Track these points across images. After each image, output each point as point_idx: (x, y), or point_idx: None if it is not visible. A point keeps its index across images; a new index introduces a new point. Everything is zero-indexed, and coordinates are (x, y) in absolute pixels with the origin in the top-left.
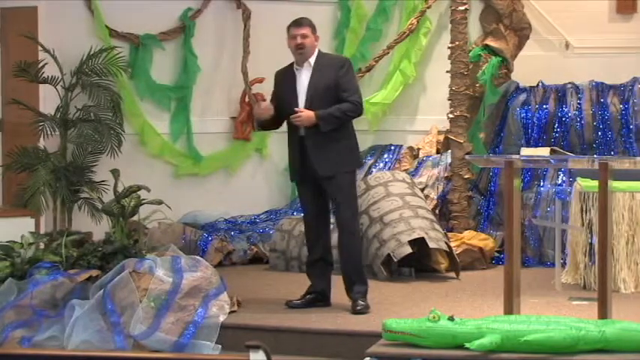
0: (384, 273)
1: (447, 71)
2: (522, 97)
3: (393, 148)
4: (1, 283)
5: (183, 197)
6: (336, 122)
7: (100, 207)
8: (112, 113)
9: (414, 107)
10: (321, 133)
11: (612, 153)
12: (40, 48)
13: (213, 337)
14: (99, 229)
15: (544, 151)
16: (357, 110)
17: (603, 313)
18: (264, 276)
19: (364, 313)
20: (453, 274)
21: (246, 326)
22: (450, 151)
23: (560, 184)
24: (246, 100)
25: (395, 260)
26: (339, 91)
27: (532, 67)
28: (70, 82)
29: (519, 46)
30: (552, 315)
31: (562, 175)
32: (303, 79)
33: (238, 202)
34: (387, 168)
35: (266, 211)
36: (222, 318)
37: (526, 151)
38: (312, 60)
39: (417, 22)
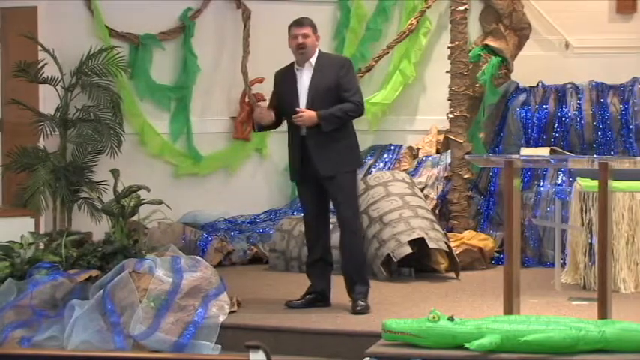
0: (383, 273)
1: (447, 71)
2: (522, 97)
3: (392, 148)
4: (1, 283)
5: (183, 197)
6: (337, 122)
7: (99, 207)
8: (111, 113)
9: (414, 107)
10: (322, 133)
11: (612, 153)
12: (39, 48)
13: (213, 337)
14: (99, 229)
15: (544, 151)
16: (359, 110)
17: (603, 313)
18: (263, 276)
19: (364, 314)
20: (452, 274)
21: (246, 326)
22: (449, 151)
23: (559, 184)
24: (246, 100)
25: (395, 260)
26: (340, 91)
27: (532, 67)
28: (70, 82)
29: (519, 46)
30: (552, 315)
31: (562, 175)
32: (304, 79)
33: (238, 202)
34: (386, 168)
35: (266, 211)
36: (221, 318)
37: (526, 151)
38: (313, 60)
39: (417, 22)
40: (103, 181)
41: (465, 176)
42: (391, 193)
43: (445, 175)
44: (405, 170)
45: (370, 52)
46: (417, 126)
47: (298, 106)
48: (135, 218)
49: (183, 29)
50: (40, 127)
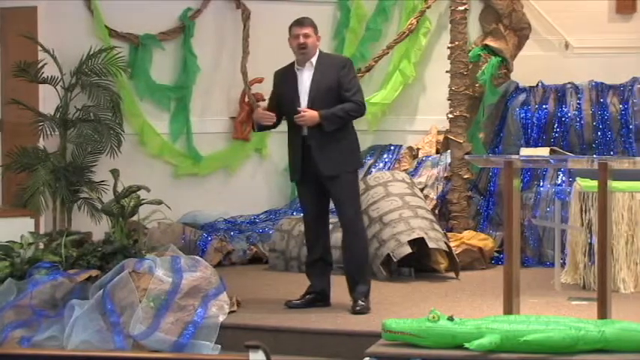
0: (383, 273)
1: (447, 71)
2: (522, 97)
3: (392, 148)
4: (1, 283)
5: (183, 197)
6: (339, 122)
7: (99, 207)
8: (111, 113)
9: (414, 107)
10: (324, 132)
11: (612, 153)
12: (39, 48)
13: (213, 337)
14: (98, 229)
15: (543, 151)
16: (360, 110)
17: (603, 313)
18: (263, 276)
19: (363, 314)
20: (452, 274)
21: (246, 326)
22: (449, 151)
23: (559, 184)
24: (246, 100)
25: (394, 260)
26: (341, 90)
27: (532, 67)
28: (70, 82)
29: (519, 46)
30: (552, 315)
31: (561, 175)
32: (305, 79)
33: (238, 202)
34: (386, 168)
35: (265, 211)
36: (221, 318)
37: (525, 151)
38: (314, 60)
39: (417, 22)
40: (102, 181)
41: (465, 176)
42: (391, 193)
43: (445, 175)
44: (404, 170)
45: (370, 52)
46: (417, 126)
47: (299, 106)
48: (135, 218)
49: (183, 29)
50: (40, 127)
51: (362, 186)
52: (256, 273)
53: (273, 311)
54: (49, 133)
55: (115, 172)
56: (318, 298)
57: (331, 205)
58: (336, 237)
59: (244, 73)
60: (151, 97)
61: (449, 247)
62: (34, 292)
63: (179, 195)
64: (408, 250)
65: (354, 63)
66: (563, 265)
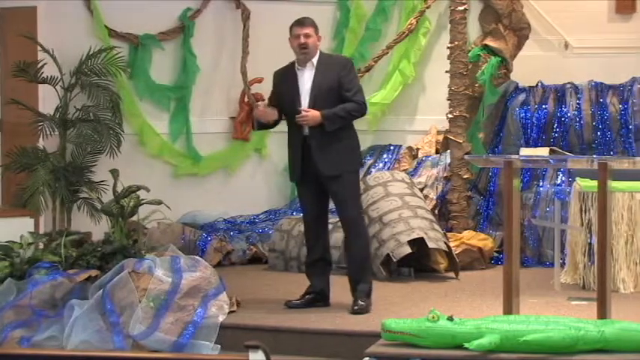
0: (383, 273)
1: (447, 71)
2: (521, 97)
3: (392, 148)
4: (1, 283)
5: (183, 197)
6: (341, 122)
7: (99, 207)
8: (111, 113)
9: (414, 107)
10: (325, 132)
11: (611, 153)
12: (39, 48)
13: (213, 337)
14: (98, 229)
15: (543, 151)
16: (362, 110)
17: (602, 313)
18: (263, 276)
19: (362, 314)
20: (452, 274)
21: (246, 326)
22: (449, 151)
23: (559, 184)
24: (246, 100)
25: (394, 260)
26: (342, 90)
27: (531, 67)
28: (70, 82)
29: (518, 46)
30: (551, 315)
31: (561, 175)
32: (306, 79)
33: (237, 202)
34: (386, 168)
35: (265, 211)
36: (221, 318)
37: (525, 151)
38: (315, 60)
39: (417, 22)
40: (102, 181)
41: (465, 176)
42: (391, 193)
43: (444, 175)
44: (404, 170)
45: (369, 52)
46: (417, 126)
47: (300, 106)
48: (134, 218)
49: (183, 29)
50: (40, 127)
51: (362, 186)
52: (256, 273)
53: (273, 311)
54: (48, 133)
55: (114, 172)
56: (317, 298)
57: (331, 205)
58: (336, 237)
59: (244, 73)
60: (151, 97)
61: (448, 247)
62: (33, 292)
63: (179, 195)
64: (407, 250)
65: (354, 63)
66: (562, 265)
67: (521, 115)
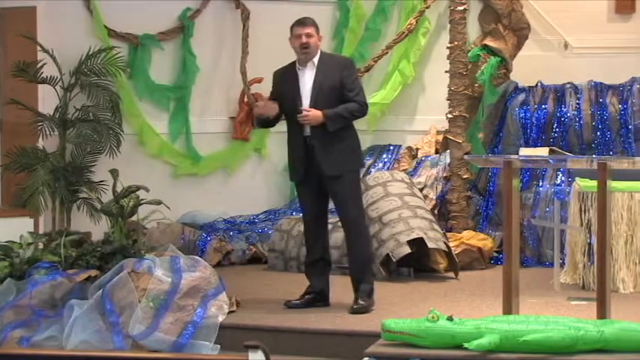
0: (382, 273)
1: (446, 71)
2: (521, 97)
3: (391, 148)
4: (0, 283)
5: (182, 197)
6: (343, 122)
7: (98, 207)
8: (110, 113)
9: (413, 107)
10: (327, 132)
11: (611, 153)
12: (38, 48)
13: (212, 337)
14: (98, 229)
15: (543, 151)
16: (363, 110)
17: (602, 313)
18: (262, 276)
19: (361, 313)
20: (451, 274)
21: (245, 326)
22: (448, 151)
23: (559, 184)
24: (245, 100)
25: (394, 260)
26: (344, 91)
27: (531, 67)
28: (69, 82)
29: (518, 46)
30: (551, 315)
31: (561, 175)
32: (307, 79)
33: (237, 202)
34: (385, 168)
35: (265, 211)
36: (220, 318)
37: (525, 151)
38: (316, 60)
39: (416, 22)
40: (102, 181)
41: (464, 176)
42: (390, 193)
43: (444, 175)
44: (404, 170)
45: (369, 52)
46: (416, 126)
47: (301, 106)
48: (134, 218)
49: (183, 29)
50: (39, 127)
51: (362, 186)
52: (255, 273)
53: (273, 311)
54: (48, 133)
55: (114, 172)
56: (317, 298)
57: (330, 205)
58: (336, 237)
59: (243, 73)
60: (150, 97)
61: (448, 247)
62: (33, 292)
63: (178, 195)
64: (407, 250)
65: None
66: (562, 265)
67: (521, 115)
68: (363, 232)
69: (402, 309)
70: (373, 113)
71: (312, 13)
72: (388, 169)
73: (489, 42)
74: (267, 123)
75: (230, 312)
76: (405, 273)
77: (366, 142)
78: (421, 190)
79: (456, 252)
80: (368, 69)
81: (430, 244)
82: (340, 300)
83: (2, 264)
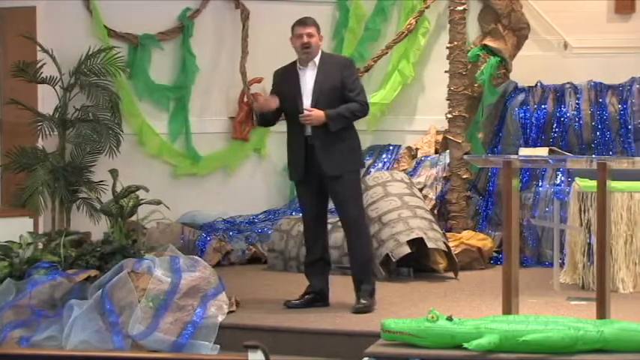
0: (382, 273)
1: (446, 71)
2: (521, 97)
3: (391, 148)
4: (0, 283)
5: (182, 197)
6: (344, 122)
7: (98, 207)
8: (110, 113)
9: (413, 107)
10: (328, 132)
11: (611, 153)
12: (38, 48)
13: (212, 337)
14: (97, 229)
15: (542, 151)
16: (364, 110)
17: (602, 313)
18: (262, 276)
19: (364, 313)
20: (451, 274)
21: (245, 326)
22: (448, 151)
23: (558, 184)
24: (245, 100)
25: (393, 260)
26: (345, 91)
27: (530, 67)
28: (69, 82)
29: (518, 46)
30: (551, 315)
31: (560, 175)
32: (308, 79)
33: (237, 202)
34: (385, 168)
35: (264, 211)
36: (220, 318)
37: (524, 151)
38: (317, 60)
39: (416, 22)
40: (101, 181)
41: (464, 176)
42: (390, 193)
43: (444, 175)
44: (403, 170)
45: (369, 52)
46: (416, 126)
47: (302, 106)
48: (133, 218)
49: (182, 29)
50: (39, 127)
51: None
52: (255, 273)
53: (272, 311)
54: (47, 133)
55: (113, 172)
56: (317, 298)
57: (330, 205)
58: (335, 237)
59: (243, 73)
60: (150, 97)
61: (448, 247)
62: (33, 292)
63: (178, 195)
64: (406, 250)
65: None
66: (562, 265)
67: (521, 115)
68: (364, 232)
69: (402, 309)
70: (373, 113)
71: (311, 13)
72: (388, 169)
73: (489, 42)
74: (268, 121)
75: (230, 312)
76: (405, 273)
77: (365, 142)
78: (421, 190)
79: (456, 252)
80: (367, 69)
81: (430, 244)
82: (340, 300)
83: (2, 264)
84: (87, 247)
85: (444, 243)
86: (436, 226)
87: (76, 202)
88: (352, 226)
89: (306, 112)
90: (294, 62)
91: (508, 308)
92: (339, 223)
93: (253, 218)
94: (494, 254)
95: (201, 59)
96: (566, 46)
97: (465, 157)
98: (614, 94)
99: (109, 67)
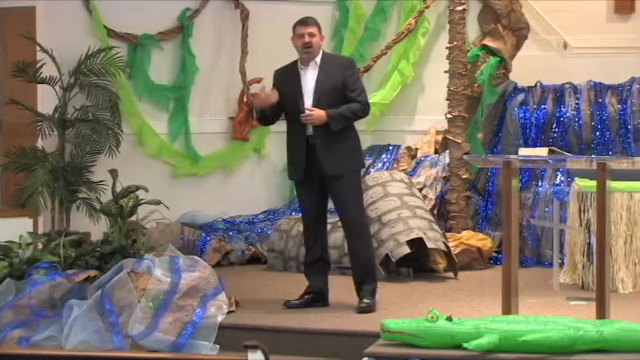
0: (382, 273)
1: (445, 71)
2: (520, 97)
3: (391, 148)
4: (0, 283)
5: (182, 197)
6: (346, 122)
7: (98, 207)
8: (110, 113)
9: (412, 107)
10: (329, 132)
11: (610, 153)
12: (38, 48)
13: (212, 337)
14: (97, 229)
15: (542, 151)
16: (366, 110)
17: (601, 313)
18: (262, 276)
19: (369, 312)
20: (451, 274)
21: (244, 326)
22: (448, 151)
23: (558, 184)
24: (245, 100)
25: (393, 260)
26: (346, 91)
27: (530, 67)
28: (68, 82)
29: (517, 46)
30: (550, 315)
31: (560, 175)
32: (309, 79)
33: (236, 202)
34: (385, 168)
35: (264, 211)
36: (220, 318)
37: (524, 151)
38: (318, 59)
39: (416, 22)
40: (101, 181)
41: (464, 176)
42: (389, 193)
43: (443, 175)
44: (403, 170)
45: (369, 52)
46: (416, 126)
47: (303, 105)
48: (133, 218)
49: (182, 29)
50: (39, 127)
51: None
52: (255, 273)
53: (272, 311)
54: (47, 133)
55: (113, 172)
56: (316, 298)
57: (330, 205)
58: (335, 237)
59: (243, 73)
60: (150, 97)
61: (447, 247)
62: (32, 292)
63: (178, 195)
64: (406, 250)
65: None
66: (561, 265)
67: (520, 115)
68: (365, 232)
69: (402, 309)
70: (373, 113)
71: (311, 13)
72: (387, 169)
73: (488, 42)
74: (268, 119)
75: (229, 312)
76: (405, 273)
77: (365, 142)
78: (420, 190)
79: (456, 252)
80: (367, 69)
81: (429, 244)
82: (339, 300)
83: (1, 264)
84: (86, 247)
85: (444, 243)
86: (436, 226)
87: (76, 202)
88: (353, 227)
89: (307, 112)
90: (295, 62)
91: (508, 308)
92: (339, 223)
93: (253, 218)
94: (494, 254)
95: (201, 59)
96: (565, 46)
97: (465, 157)
98: (614, 94)
99: (109, 67)
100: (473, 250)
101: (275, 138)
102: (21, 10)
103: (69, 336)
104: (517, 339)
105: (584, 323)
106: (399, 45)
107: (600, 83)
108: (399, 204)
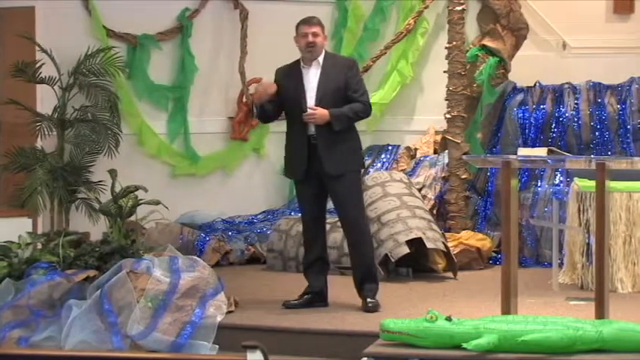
0: (381, 273)
1: (445, 71)
2: (519, 97)
3: (390, 148)
4: None
5: (181, 197)
6: (348, 122)
7: (97, 207)
8: (109, 113)
9: (412, 107)
10: (331, 132)
11: (609, 153)
12: (37, 48)
13: (211, 338)
14: (96, 229)
15: (541, 151)
16: (367, 111)
17: (600, 313)
18: (261, 276)
19: (375, 311)
20: (450, 274)
21: (244, 326)
22: (447, 151)
23: (557, 185)
24: (244, 100)
25: (392, 260)
26: (348, 91)
27: (529, 67)
28: (68, 83)
29: (516, 46)
30: (550, 315)
31: (559, 175)
32: (312, 78)
33: (236, 202)
34: (384, 168)
35: (263, 211)
36: (219, 318)
37: (523, 151)
38: (321, 59)
39: (415, 22)
40: (100, 182)
41: (463, 176)
42: (389, 194)
43: (443, 175)
44: (402, 170)
45: (368, 52)
46: (415, 126)
47: (306, 104)
48: (132, 218)
49: (181, 29)
50: (38, 128)
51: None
52: (254, 273)
53: (271, 311)
54: (46, 133)
55: (112, 173)
56: (316, 298)
57: (329, 205)
58: (334, 237)
59: (242, 73)
60: (149, 97)
61: (447, 247)
62: (31, 292)
63: (177, 195)
64: (405, 250)
65: None
66: (560, 265)
67: (519, 115)
68: (365, 231)
69: (401, 309)
70: (372, 113)
71: (310, 13)
72: (387, 169)
73: (488, 42)
74: (268, 115)
75: (228, 312)
76: (404, 273)
77: (364, 142)
78: (420, 190)
79: (455, 252)
80: (366, 69)
81: (429, 244)
82: (339, 300)
83: (1, 264)
84: (86, 247)
85: (443, 243)
86: (435, 226)
87: (75, 202)
88: (353, 227)
89: (310, 111)
90: (298, 61)
91: (507, 308)
92: (339, 223)
93: (252, 218)
94: (493, 254)
95: (200, 59)
96: (564, 46)
97: (464, 157)
98: (613, 94)
99: (108, 67)
100: (472, 250)
101: (274, 138)
102: (20, 10)
103: (68, 336)
104: (516, 339)
105: (584, 323)
106: (398, 45)
107: (599, 83)
108: (398, 204)
